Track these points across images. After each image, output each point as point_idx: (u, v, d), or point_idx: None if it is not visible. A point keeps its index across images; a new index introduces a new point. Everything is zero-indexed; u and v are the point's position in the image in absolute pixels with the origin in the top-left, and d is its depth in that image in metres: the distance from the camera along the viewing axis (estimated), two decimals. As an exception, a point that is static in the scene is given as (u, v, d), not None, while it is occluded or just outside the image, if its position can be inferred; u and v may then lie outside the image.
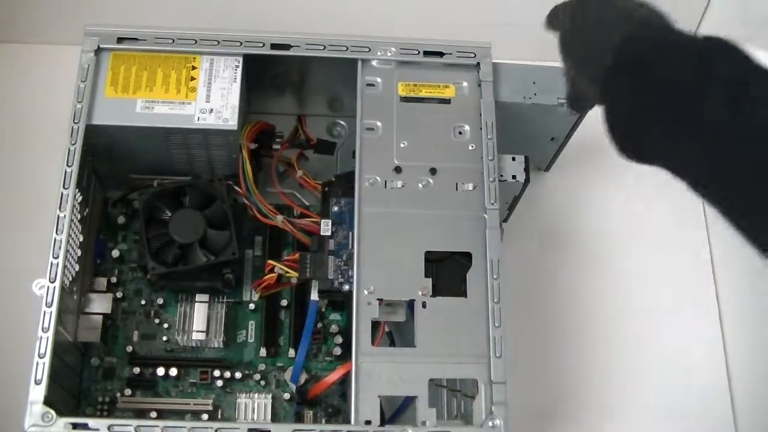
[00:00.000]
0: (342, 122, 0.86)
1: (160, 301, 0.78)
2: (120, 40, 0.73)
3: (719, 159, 0.53)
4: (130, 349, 0.76)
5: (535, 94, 0.76)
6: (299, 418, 0.75)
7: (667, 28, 0.62)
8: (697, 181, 0.56)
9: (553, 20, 0.67)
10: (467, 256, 0.69)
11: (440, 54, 0.75)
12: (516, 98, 0.76)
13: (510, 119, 0.76)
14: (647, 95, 0.57)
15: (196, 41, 0.74)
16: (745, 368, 0.85)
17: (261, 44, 0.74)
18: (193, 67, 0.74)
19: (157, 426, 0.62)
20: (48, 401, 0.61)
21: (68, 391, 0.71)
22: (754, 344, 0.86)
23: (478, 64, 0.75)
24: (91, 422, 0.62)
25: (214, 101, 0.73)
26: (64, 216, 0.67)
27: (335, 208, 0.73)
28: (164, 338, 0.77)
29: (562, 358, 0.84)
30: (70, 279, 0.69)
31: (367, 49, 0.75)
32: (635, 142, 0.60)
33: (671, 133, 0.57)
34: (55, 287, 0.65)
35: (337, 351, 0.77)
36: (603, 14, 0.63)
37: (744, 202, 0.53)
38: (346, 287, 0.69)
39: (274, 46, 0.74)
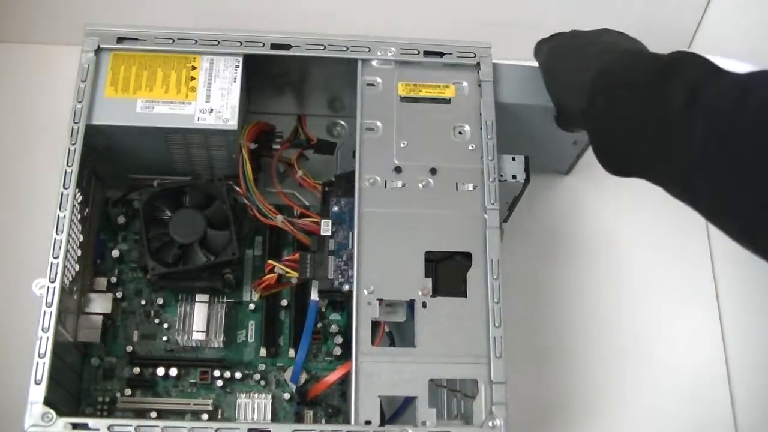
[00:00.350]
0: (342, 122, 0.86)
1: (160, 301, 0.78)
2: (120, 40, 0.73)
3: (684, 162, 0.54)
4: (130, 349, 0.76)
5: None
6: (299, 418, 0.75)
7: (639, 53, 0.65)
8: (672, 187, 0.58)
9: (537, 53, 0.71)
10: (467, 256, 0.69)
11: (440, 54, 0.75)
12: (536, 101, 0.76)
13: (527, 122, 0.76)
14: (624, 118, 0.59)
15: (196, 41, 0.74)
16: (745, 369, 0.85)
17: (261, 44, 0.74)
18: (193, 67, 0.74)
19: (157, 426, 0.62)
20: (48, 401, 0.61)
21: (68, 391, 0.71)
22: (754, 346, 0.86)
23: (478, 64, 0.75)
24: (91, 422, 0.62)
25: (214, 101, 0.73)
26: (64, 216, 0.67)
27: (335, 208, 0.73)
28: (164, 338, 0.77)
29: (562, 358, 0.84)
30: (70, 279, 0.69)
31: (367, 49, 0.75)
32: (618, 161, 0.63)
33: (645, 146, 0.58)
34: (55, 287, 0.65)
35: (337, 351, 0.77)
36: (580, 49, 0.67)
37: (715, 200, 0.53)
38: (346, 287, 0.69)
39: (274, 46, 0.74)
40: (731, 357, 0.86)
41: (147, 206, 0.74)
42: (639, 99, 0.58)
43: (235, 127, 0.73)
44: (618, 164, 0.64)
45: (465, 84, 0.75)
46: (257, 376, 0.76)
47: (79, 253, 0.72)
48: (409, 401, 0.68)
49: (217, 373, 0.76)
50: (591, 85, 0.64)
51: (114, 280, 0.78)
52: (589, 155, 0.84)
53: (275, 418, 0.75)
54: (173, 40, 0.74)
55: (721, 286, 0.89)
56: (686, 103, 0.53)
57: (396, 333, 0.75)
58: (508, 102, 0.75)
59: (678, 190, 0.57)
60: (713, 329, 0.87)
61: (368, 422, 0.63)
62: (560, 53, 0.71)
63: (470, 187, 0.71)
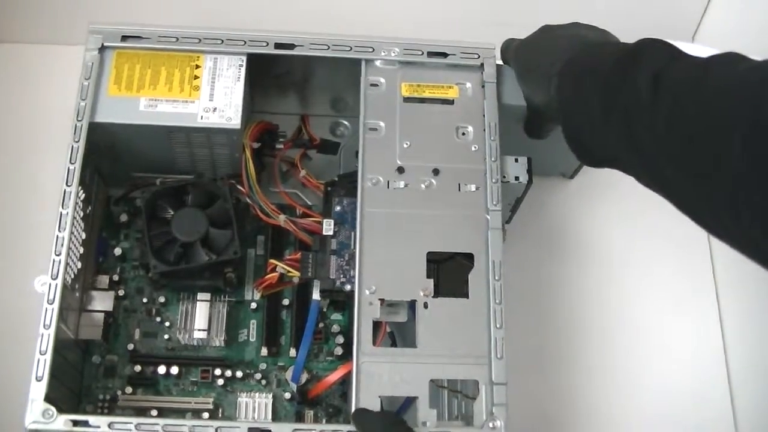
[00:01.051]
0: (345, 122, 0.86)
1: (162, 299, 0.78)
2: (124, 38, 0.73)
3: (650, 148, 0.54)
4: (131, 347, 0.76)
5: None
6: (300, 418, 0.75)
7: (606, 43, 0.64)
8: (640, 175, 0.57)
9: (505, 54, 0.71)
10: (469, 257, 0.69)
11: (444, 55, 0.75)
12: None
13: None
14: (590, 104, 0.60)
15: (199, 40, 0.74)
16: (745, 369, 0.85)
17: (265, 43, 0.74)
18: (197, 66, 0.74)
19: (158, 424, 0.62)
20: (49, 398, 0.61)
21: (69, 389, 0.71)
22: (754, 346, 0.86)
23: (482, 65, 0.75)
24: (92, 419, 0.62)
25: (218, 100, 0.73)
26: (67, 213, 0.67)
27: (338, 208, 0.73)
28: (165, 336, 0.77)
29: (563, 359, 0.84)
30: (72, 276, 0.69)
31: (370, 50, 0.75)
32: (589, 150, 0.63)
33: (612, 134, 0.58)
34: (57, 284, 0.65)
35: (339, 351, 0.77)
36: (549, 41, 0.67)
37: (682, 185, 0.53)
38: (348, 287, 0.69)
39: (277, 46, 0.74)
40: (731, 358, 0.86)
41: (149, 204, 0.74)
42: (603, 87, 0.58)
43: (238, 126, 0.73)
44: (590, 154, 0.64)
45: (468, 85, 0.75)
46: (258, 376, 0.76)
47: (82, 250, 0.72)
48: (409, 402, 0.68)
49: (218, 371, 0.76)
50: (558, 76, 0.64)
51: (116, 278, 0.78)
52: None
53: (276, 418, 0.75)
54: (177, 39, 0.74)
55: (721, 287, 0.89)
56: (649, 87, 0.53)
57: (397, 333, 0.75)
58: (511, 104, 0.75)
59: (647, 179, 0.56)
60: (713, 330, 0.87)
61: (369, 422, 0.63)
62: (530, 48, 0.71)
63: (473, 188, 0.71)
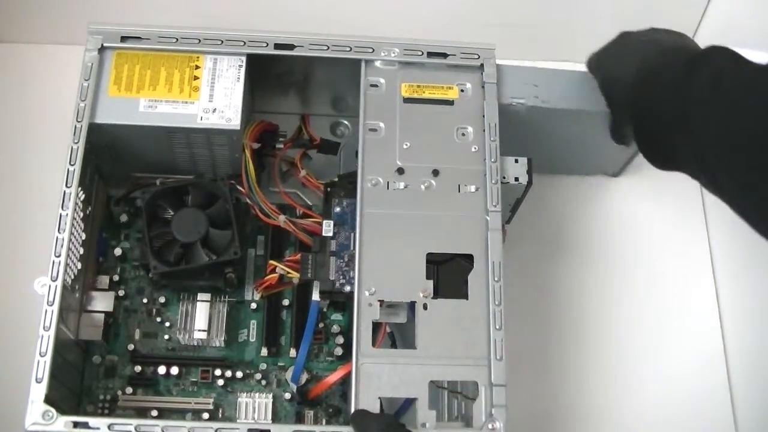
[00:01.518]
0: (345, 122, 0.86)
1: (162, 299, 0.78)
2: (124, 38, 0.73)
3: (707, 148, 0.57)
4: (131, 347, 0.76)
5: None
6: (300, 418, 0.75)
7: (682, 47, 0.67)
8: (701, 177, 0.59)
9: (591, 67, 0.72)
10: (469, 258, 0.69)
11: (444, 55, 0.75)
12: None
13: (532, 123, 0.76)
14: (657, 107, 0.62)
15: (199, 40, 0.74)
16: (745, 369, 0.85)
17: (264, 44, 0.74)
18: (197, 67, 0.74)
19: (157, 425, 0.62)
20: (49, 399, 0.62)
21: (69, 389, 0.71)
22: (754, 346, 0.86)
23: (482, 65, 0.75)
24: (92, 421, 0.62)
25: (218, 101, 0.73)
26: (67, 214, 0.67)
27: (337, 209, 0.73)
28: (166, 337, 0.77)
29: (562, 360, 0.84)
30: (72, 277, 0.69)
31: (370, 50, 0.75)
32: (658, 153, 0.66)
33: (677, 136, 0.59)
34: (56, 285, 0.65)
35: (338, 351, 0.77)
36: (625, 47, 0.68)
37: (734, 183, 0.55)
38: (348, 288, 0.69)
39: (277, 46, 0.74)
40: (731, 358, 0.86)
41: (149, 205, 0.74)
42: (671, 89, 0.60)
43: (238, 127, 0.73)
44: (658, 156, 0.66)
45: (468, 85, 0.75)
46: (258, 376, 0.76)
47: (82, 251, 0.72)
48: (409, 403, 0.68)
49: (218, 372, 0.76)
50: (633, 78, 0.66)
51: (116, 278, 0.78)
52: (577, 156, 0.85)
53: (276, 418, 0.75)
54: (177, 40, 0.74)
55: (721, 287, 0.88)
56: (710, 89, 0.56)
57: (397, 334, 0.75)
58: (512, 103, 0.75)
59: (705, 180, 0.59)
60: (713, 330, 0.87)
61: (368, 423, 0.63)
62: (608, 56, 0.72)
63: (472, 188, 0.71)
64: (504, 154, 0.73)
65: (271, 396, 0.75)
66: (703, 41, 0.94)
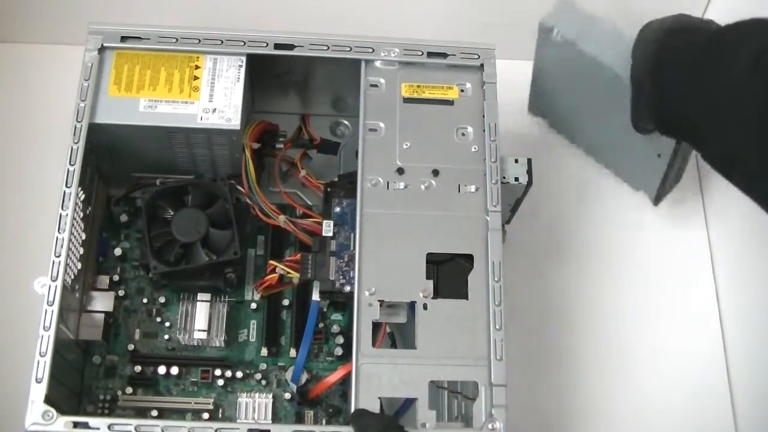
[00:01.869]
0: (345, 122, 0.86)
1: (162, 299, 0.78)
2: (124, 38, 0.73)
3: (738, 126, 0.54)
4: (131, 347, 0.76)
5: None
6: (300, 418, 0.75)
7: (709, 20, 0.66)
8: (714, 150, 0.57)
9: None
10: (469, 258, 0.69)
11: (444, 55, 0.75)
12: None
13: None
14: (681, 72, 0.60)
15: (199, 40, 0.74)
16: (745, 369, 0.85)
17: (264, 44, 0.74)
18: (197, 67, 0.74)
19: (157, 426, 0.62)
20: (49, 399, 0.62)
21: (69, 389, 0.71)
22: (754, 346, 0.86)
23: (482, 65, 0.75)
24: (92, 421, 0.62)
25: (218, 101, 0.73)
26: (67, 214, 0.67)
27: (337, 209, 0.73)
28: (166, 337, 0.77)
29: (562, 360, 0.84)
30: (72, 277, 0.69)
31: (370, 50, 0.75)
32: (669, 118, 0.64)
33: (700, 106, 0.58)
34: (56, 286, 0.65)
35: (338, 351, 0.77)
36: (648, 24, 0.69)
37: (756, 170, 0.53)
38: (348, 288, 0.69)
39: (277, 46, 0.74)
40: (731, 358, 0.86)
41: (149, 205, 0.74)
42: (699, 57, 0.58)
43: (238, 127, 0.73)
44: (667, 121, 0.64)
45: (468, 85, 0.75)
46: (258, 376, 0.76)
47: (82, 251, 0.72)
48: (409, 403, 0.68)
49: (218, 372, 0.76)
50: (655, 42, 0.65)
51: (116, 278, 0.78)
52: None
53: (276, 418, 0.75)
54: (177, 40, 0.74)
55: (721, 287, 0.88)
56: (748, 68, 0.53)
57: (397, 334, 0.75)
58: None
59: (720, 154, 0.57)
60: (713, 330, 0.87)
61: (368, 423, 0.63)
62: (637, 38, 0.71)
63: (472, 189, 0.71)
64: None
65: (271, 396, 0.75)
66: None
